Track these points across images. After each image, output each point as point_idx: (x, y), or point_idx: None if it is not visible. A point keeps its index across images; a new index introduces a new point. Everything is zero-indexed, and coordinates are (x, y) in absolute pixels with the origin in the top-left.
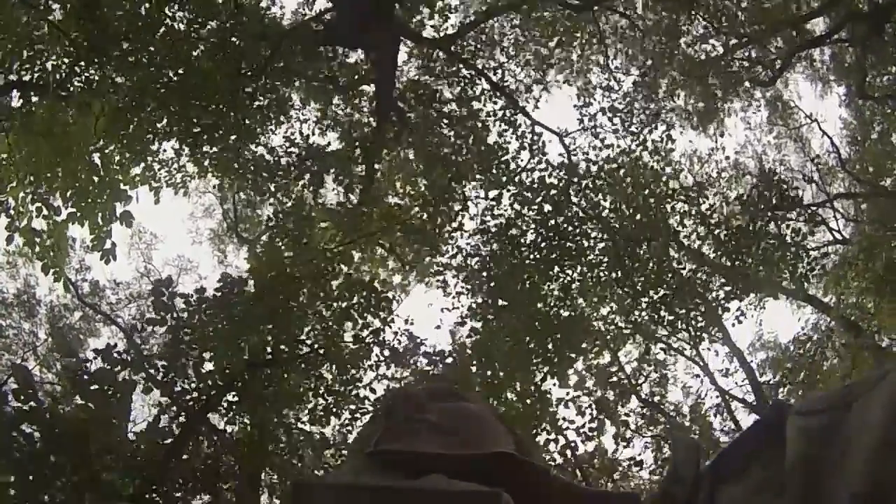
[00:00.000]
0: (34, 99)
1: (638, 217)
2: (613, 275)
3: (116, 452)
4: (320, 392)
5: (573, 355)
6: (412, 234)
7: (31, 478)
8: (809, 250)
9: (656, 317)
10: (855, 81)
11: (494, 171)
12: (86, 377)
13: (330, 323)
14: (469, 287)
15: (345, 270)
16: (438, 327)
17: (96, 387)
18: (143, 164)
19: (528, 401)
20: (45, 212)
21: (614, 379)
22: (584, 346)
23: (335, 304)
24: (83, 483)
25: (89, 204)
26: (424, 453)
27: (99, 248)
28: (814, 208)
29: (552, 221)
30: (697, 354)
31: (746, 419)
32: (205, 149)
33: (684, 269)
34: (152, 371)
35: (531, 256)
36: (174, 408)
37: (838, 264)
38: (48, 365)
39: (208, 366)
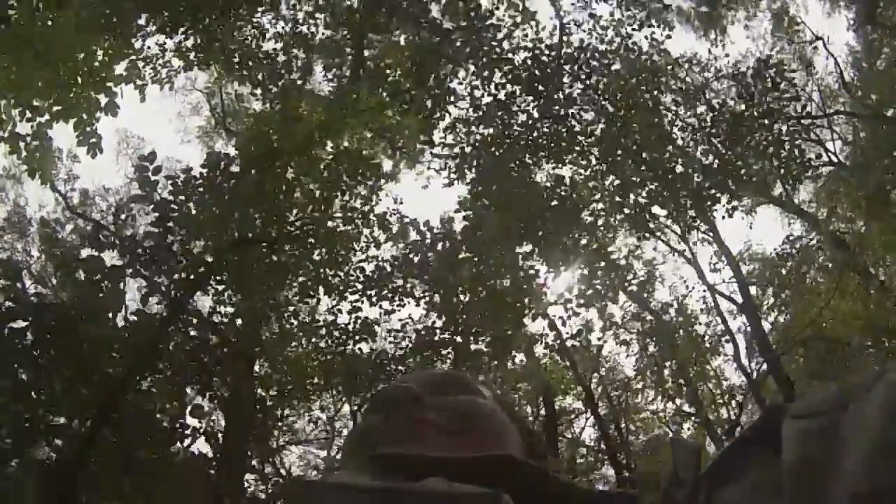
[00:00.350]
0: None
1: (631, 101)
2: (606, 161)
3: (108, 341)
4: (309, 269)
5: (564, 240)
6: (402, 115)
7: (23, 377)
8: (804, 152)
9: (647, 210)
10: (865, 6)
11: (486, 48)
12: (74, 264)
13: (317, 195)
14: (459, 148)
15: (332, 145)
16: (426, 186)
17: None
18: (126, 62)
19: (517, 281)
20: (28, 114)
21: (602, 265)
22: (574, 233)
23: (323, 176)
24: (76, 376)
25: (73, 103)
26: (425, 456)
27: (84, 143)
28: (813, 122)
29: (544, 92)
30: (687, 248)
31: (733, 322)
32: (189, 41)
33: (677, 161)
34: (139, 252)
35: (523, 137)
36: (162, 290)
37: (832, 179)
38: (43, 282)
39: (196, 247)
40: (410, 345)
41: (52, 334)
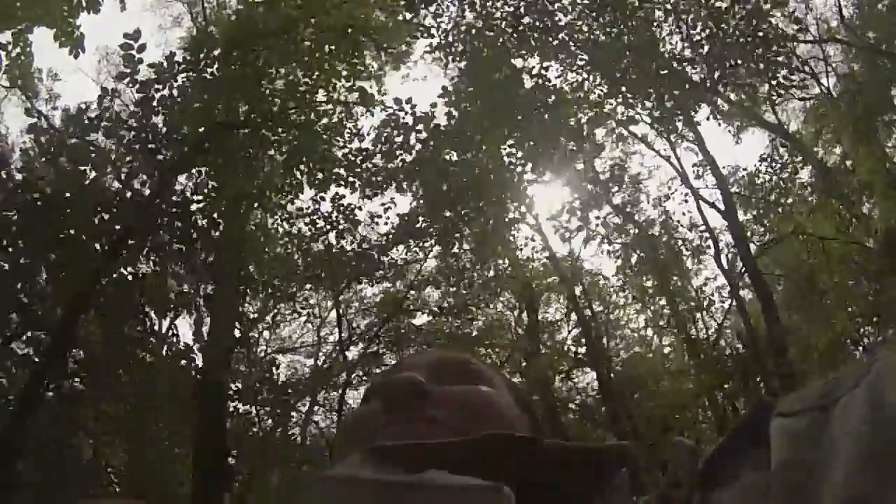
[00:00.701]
0: None
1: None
2: (593, 62)
3: (92, 224)
4: (292, 157)
5: (548, 144)
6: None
7: (8, 266)
8: (790, 57)
9: (632, 108)
10: None
11: None
12: (59, 150)
13: (300, 81)
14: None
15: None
16: (407, 76)
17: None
18: None
19: (500, 172)
20: (7, 23)
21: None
22: (559, 139)
23: (307, 58)
24: (61, 260)
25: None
26: (424, 445)
27: (66, 44)
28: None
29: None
30: (672, 155)
31: (716, 237)
32: None
33: (664, 62)
34: (123, 134)
35: (507, 31)
36: (145, 170)
37: (820, 105)
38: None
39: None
40: (393, 231)
41: (37, 219)
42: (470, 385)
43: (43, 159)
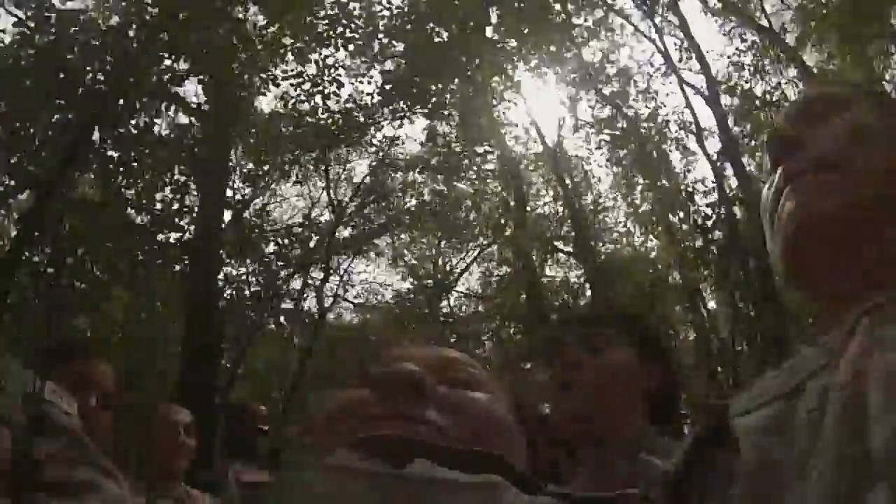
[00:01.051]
0: None
1: None
2: None
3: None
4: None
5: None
6: None
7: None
8: None
9: None
10: None
11: None
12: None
13: None
14: None
15: None
16: None
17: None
18: None
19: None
20: None
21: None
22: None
23: None
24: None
25: None
26: (416, 441)
27: None
28: None
29: None
30: (658, 38)
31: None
32: None
33: None
34: None
35: None
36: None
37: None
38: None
39: None
40: (378, 90)
41: (29, 80)
42: (471, 391)
43: (33, 25)
